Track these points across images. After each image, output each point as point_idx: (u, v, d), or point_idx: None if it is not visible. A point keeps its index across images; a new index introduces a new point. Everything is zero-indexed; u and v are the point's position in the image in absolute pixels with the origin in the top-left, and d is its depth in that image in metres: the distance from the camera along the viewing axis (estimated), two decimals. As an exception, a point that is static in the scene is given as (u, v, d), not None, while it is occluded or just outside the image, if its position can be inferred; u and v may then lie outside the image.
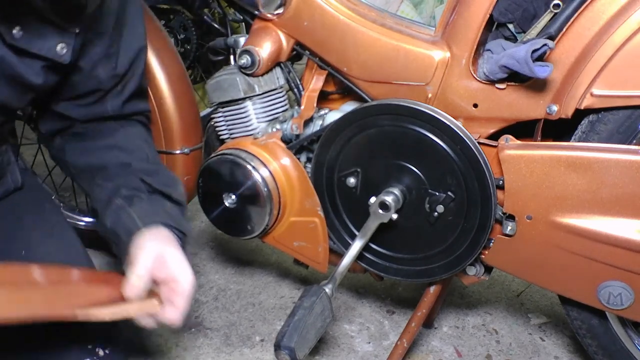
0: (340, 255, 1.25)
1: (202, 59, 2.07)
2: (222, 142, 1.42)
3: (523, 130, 1.16)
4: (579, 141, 1.11)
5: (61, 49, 0.94)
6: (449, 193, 1.16)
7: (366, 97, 1.26)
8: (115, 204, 1.02)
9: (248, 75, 1.33)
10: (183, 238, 1.03)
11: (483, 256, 1.22)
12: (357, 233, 1.25)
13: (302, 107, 1.32)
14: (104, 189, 1.06)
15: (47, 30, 0.92)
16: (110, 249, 1.65)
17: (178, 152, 1.44)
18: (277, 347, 1.06)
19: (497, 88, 1.13)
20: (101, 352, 0.98)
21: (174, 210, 1.06)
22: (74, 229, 1.14)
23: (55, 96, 1.06)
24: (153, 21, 1.51)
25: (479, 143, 1.14)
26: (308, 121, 1.33)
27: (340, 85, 1.36)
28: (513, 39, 1.18)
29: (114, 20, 1.04)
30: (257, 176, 1.28)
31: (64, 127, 1.12)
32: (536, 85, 1.10)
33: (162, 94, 1.42)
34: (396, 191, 1.18)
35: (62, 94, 1.06)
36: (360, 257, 1.25)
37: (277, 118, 1.37)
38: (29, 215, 1.09)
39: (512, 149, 1.11)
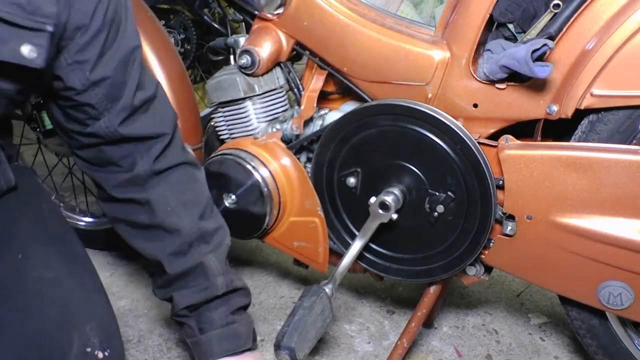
0: (340, 256, 1.25)
1: (202, 59, 2.07)
2: (222, 142, 1.42)
3: (523, 130, 1.16)
4: (578, 141, 1.11)
5: (29, 52, 0.83)
6: (449, 193, 1.16)
7: (366, 97, 1.26)
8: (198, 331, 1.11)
9: (248, 75, 1.33)
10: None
11: (483, 256, 1.22)
12: (357, 233, 1.25)
13: (302, 107, 1.32)
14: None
15: (4, 30, 0.81)
16: (109, 249, 1.67)
17: None
18: (277, 347, 1.06)
19: (497, 88, 1.13)
20: (100, 355, 0.97)
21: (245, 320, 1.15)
22: (73, 230, 1.13)
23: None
24: (153, 21, 1.51)
25: (479, 143, 1.14)
26: (308, 121, 1.33)
27: (340, 85, 1.36)
28: (513, 39, 1.18)
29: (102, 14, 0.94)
30: (257, 176, 1.29)
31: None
32: (536, 85, 1.10)
33: None
34: (396, 191, 1.18)
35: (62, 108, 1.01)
36: (360, 257, 1.25)
37: (277, 118, 1.37)
38: (25, 217, 1.06)
39: (512, 149, 1.11)
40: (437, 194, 1.17)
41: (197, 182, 1.16)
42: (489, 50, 1.14)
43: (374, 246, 1.27)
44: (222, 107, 1.39)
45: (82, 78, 0.95)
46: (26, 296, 0.97)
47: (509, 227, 1.14)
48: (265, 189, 1.29)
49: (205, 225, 1.12)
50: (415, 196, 1.19)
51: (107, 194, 1.10)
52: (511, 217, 1.15)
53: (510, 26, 1.17)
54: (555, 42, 1.06)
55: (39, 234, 1.05)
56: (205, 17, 1.85)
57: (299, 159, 1.34)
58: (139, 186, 1.07)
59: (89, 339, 0.97)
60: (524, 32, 1.14)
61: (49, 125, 1.40)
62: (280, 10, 1.30)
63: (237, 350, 1.10)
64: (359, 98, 1.29)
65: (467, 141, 1.11)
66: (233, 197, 1.32)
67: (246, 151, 1.31)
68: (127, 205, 1.09)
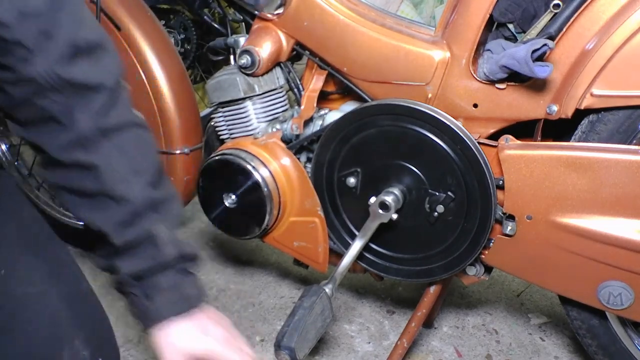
0: (340, 256, 1.25)
1: (202, 59, 2.07)
2: (222, 142, 1.42)
3: (523, 130, 1.16)
4: (578, 141, 1.11)
5: None
6: (449, 193, 1.16)
7: (366, 97, 1.26)
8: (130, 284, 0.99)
9: (248, 75, 1.33)
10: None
11: (483, 256, 1.22)
12: (357, 233, 1.25)
13: (302, 107, 1.32)
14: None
15: None
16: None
17: (178, 152, 1.44)
18: (277, 347, 1.06)
19: (497, 88, 1.13)
20: None
21: (192, 273, 1.04)
22: (55, 234, 1.06)
23: None
24: (153, 21, 1.51)
25: (479, 143, 1.14)
26: (308, 121, 1.33)
27: (340, 85, 1.36)
28: (513, 39, 1.18)
29: None
30: (257, 176, 1.29)
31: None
32: (536, 85, 1.10)
33: (162, 93, 1.42)
34: (396, 191, 1.18)
35: None
36: (360, 257, 1.25)
37: (277, 118, 1.37)
38: (7, 228, 0.99)
39: (512, 149, 1.11)
40: (437, 194, 1.17)
41: (148, 147, 1.04)
42: (489, 50, 1.14)
43: (373, 246, 1.27)
44: (222, 107, 1.39)
45: (9, 8, 0.83)
46: (11, 316, 0.93)
47: (509, 227, 1.14)
48: (265, 189, 1.29)
49: (156, 194, 1.01)
50: (415, 196, 1.19)
51: (50, 158, 0.97)
52: (511, 217, 1.15)
53: (510, 26, 1.17)
54: (555, 42, 1.06)
55: (22, 246, 0.99)
56: (205, 17, 1.85)
57: (299, 159, 1.34)
58: (84, 148, 0.95)
59: (78, 353, 0.94)
60: (524, 32, 1.14)
61: None
62: (280, 10, 1.30)
63: (186, 310, 1.01)
64: (358, 98, 1.29)
65: (467, 141, 1.11)
66: (233, 197, 1.32)
67: (246, 151, 1.31)
68: (71, 170, 0.97)
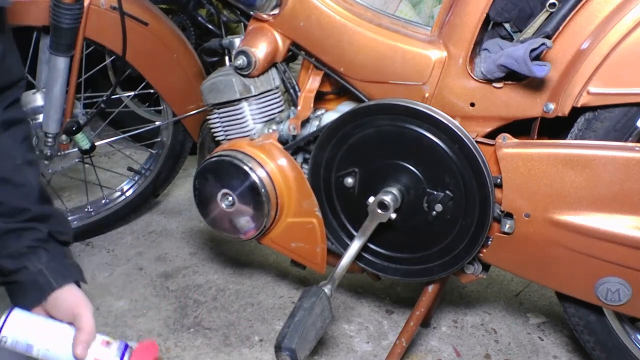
0: (339, 256, 1.25)
1: (201, 58, 2.07)
2: (218, 143, 1.42)
3: (519, 128, 1.16)
4: (575, 139, 1.12)
5: None
6: (447, 192, 1.16)
7: (363, 97, 1.26)
8: (20, 253, 1.03)
9: (244, 76, 1.33)
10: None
11: (481, 254, 1.22)
12: (355, 233, 1.25)
13: (299, 108, 1.32)
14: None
15: None
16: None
17: None
18: (278, 348, 1.06)
19: (494, 87, 1.13)
20: None
21: (71, 257, 1.09)
22: None
23: None
24: (168, 23, 1.64)
25: (476, 142, 1.14)
26: (305, 122, 1.33)
27: (336, 86, 1.36)
28: (509, 38, 1.18)
29: None
30: (254, 177, 1.28)
31: None
32: (533, 84, 1.10)
33: (193, 65, 1.67)
34: (394, 191, 1.18)
35: None
36: (358, 257, 1.25)
37: (273, 119, 1.37)
38: None
39: (509, 147, 1.11)
40: (435, 193, 1.17)
41: (33, 147, 1.14)
42: (486, 49, 1.14)
43: (372, 246, 1.27)
44: (218, 109, 1.39)
45: None
46: None
47: (507, 225, 1.15)
48: (263, 190, 1.29)
49: (46, 190, 1.10)
50: (413, 195, 1.20)
51: None
52: (509, 215, 1.15)
53: (507, 25, 1.17)
54: (552, 41, 1.06)
55: None
56: (199, 18, 1.85)
57: (295, 159, 1.34)
58: None
59: None
60: (520, 31, 1.15)
61: None
62: (276, 11, 1.30)
63: (81, 280, 1.08)
64: (355, 98, 1.29)
65: (465, 140, 1.12)
66: (230, 198, 1.32)
67: (243, 152, 1.31)
68: None
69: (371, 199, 1.18)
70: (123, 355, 0.96)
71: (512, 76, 1.10)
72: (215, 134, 1.42)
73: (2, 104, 1.04)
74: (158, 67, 1.66)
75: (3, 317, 0.94)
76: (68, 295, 1.02)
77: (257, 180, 1.28)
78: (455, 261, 1.21)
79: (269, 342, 1.45)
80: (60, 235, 1.07)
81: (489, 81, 1.13)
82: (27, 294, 1.04)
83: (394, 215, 1.17)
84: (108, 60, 1.79)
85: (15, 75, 1.06)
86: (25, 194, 1.05)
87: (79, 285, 1.06)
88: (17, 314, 0.96)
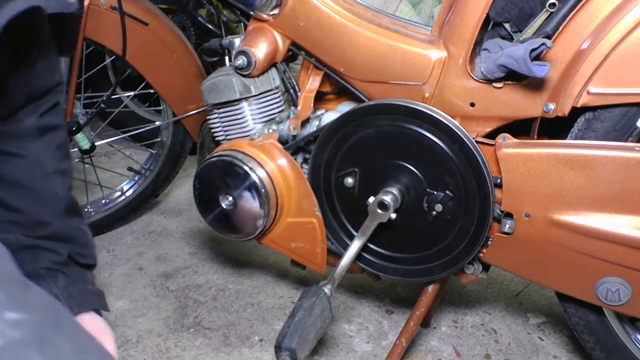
0: (338, 256, 1.25)
1: (201, 58, 2.08)
2: (218, 143, 1.42)
3: (519, 128, 1.16)
4: (575, 139, 1.12)
5: None
6: (447, 192, 1.16)
7: (363, 97, 1.26)
8: (38, 274, 1.01)
9: (244, 76, 1.33)
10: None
11: (481, 254, 1.22)
12: (355, 233, 1.25)
13: (299, 108, 1.32)
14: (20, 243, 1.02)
15: None
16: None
17: None
18: (278, 348, 1.06)
19: (494, 87, 1.13)
20: None
21: (93, 283, 1.07)
22: None
23: None
24: (168, 23, 1.64)
25: (476, 142, 1.14)
26: (305, 122, 1.33)
27: (336, 86, 1.36)
28: (509, 38, 1.18)
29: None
30: (254, 177, 1.28)
31: None
32: (533, 84, 1.10)
33: (193, 65, 1.67)
34: (394, 191, 1.18)
35: None
36: (358, 257, 1.25)
37: (273, 119, 1.37)
38: None
39: (509, 147, 1.11)
40: (435, 193, 1.17)
41: (69, 154, 1.11)
42: (486, 49, 1.14)
43: (372, 246, 1.27)
44: (218, 109, 1.39)
45: None
46: None
47: (507, 225, 1.15)
48: (263, 190, 1.29)
49: (75, 201, 1.08)
50: (413, 195, 1.20)
51: None
52: (509, 215, 1.15)
53: (507, 25, 1.17)
54: (552, 41, 1.06)
55: None
56: (199, 18, 1.85)
57: (295, 159, 1.34)
58: (17, 139, 1.01)
59: None
60: (520, 31, 1.15)
61: None
62: (276, 11, 1.30)
63: (102, 308, 1.07)
64: (355, 98, 1.29)
65: (465, 140, 1.12)
66: (230, 198, 1.32)
67: (243, 152, 1.31)
68: None
69: (371, 199, 1.18)
70: None
71: (512, 76, 1.10)
72: (215, 134, 1.42)
73: (38, 110, 1.02)
74: (158, 67, 1.66)
75: None
76: (87, 324, 1.00)
77: (257, 180, 1.28)
78: (455, 261, 1.21)
79: (269, 342, 1.45)
80: (82, 257, 1.05)
81: (489, 81, 1.13)
82: None
83: (394, 215, 1.17)
84: (108, 60, 1.79)
85: (50, 82, 1.03)
86: (50, 206, 1.03)
87: (99, 313, 1.05)
88: None
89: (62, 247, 1.03)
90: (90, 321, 1.01)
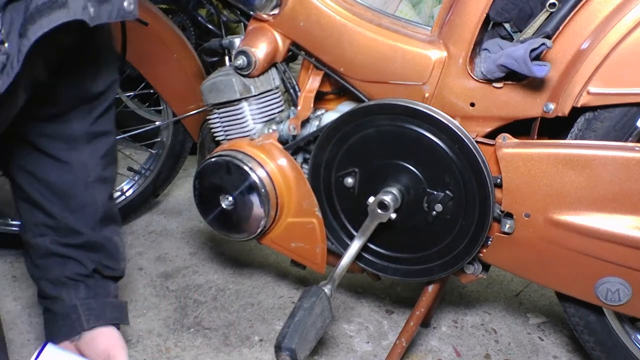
0: (338, 256, 1.25)
1: (201, 58, 2.08)
2: (218, 143, 1.42)
3: (519, 128, 1.16)
4: (575, 139, 1.12)
5: (128, 4, 0.83)
6: (447, 192, 1.16)
7: (363, 97, 1.26)
8: (60, 281, 1.03)
9: (244, 76, 1.33)
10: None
11: (481, 254, 1.22)
12: (355, 233, 1.25)
13: (299, 108, 1.32)
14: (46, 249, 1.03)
15: None
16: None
17: None
18: (278, 348, 1.06)
19: (494, 87, 1.13)
20: None
21: (116, 295, 1.09)
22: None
23: None
24: (168, 23, 1.65)
25: (476, 142, 1.14)
26: (305, 122, 1.33)
27: (336, 86, 1.36)
28: (509, 38, 1.18)
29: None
30: (254, 177, 1.28)
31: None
32: (533, 84, 1.10)
33: (193, 65, 1.67)
34: (394, 191, 1.18)
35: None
36: (358, 257, 1.25)
37: (273, 119, 1.37)
38: None
39: (509, 147, 1.11)
40: (435, 193, 1.17)
41: (116, 156, 1.12)
42: (486, 49, 1.14)
43: (372, 246, 1.27)
44: (218, 109, 1.39)
45: None
46: None
47: (507, 225, 1.15)
48: (263, 190, 1.29)
49: (113, 208, 1.09)
50: (413, 195, 1.19)
51: (20, 138, 1.01)
52: (509, 215, 1.15)
53: (507, 25, 1.17)
54: (552, 41, 1.06)
55: None
56: (199, 18, 1.85)
57: (295, 159, 1.34)
58: (65, 143, 1.02)
59: None
60: (520, 31, 1.15)
61: None
62: (276, 11, 1.30)
63: (120, 322, 1.08)
64: (355, 98, 1.29)
65: (465, 140, 1.12)
66: (230, 198, 1.32)
67: (243, 152, 1.31)
68: (43, 157, 1.02)
69: (371, 199, 1.18)
70: None
71: (512, 76, 1.10)
72: (215, 134, 1.42)
73: (90, 114, 1.02)
74: (158, 67, 1.66)
75: (35, 353, 0.92)
76: (102, 337, 1.01)
77: (257, 180, 1.28)
78: (455, 261, 1.21)
79: (269, 342, 1.45)
80: (107, 270, 1.06)
81: (489, 81, 1.13)
82: (59, 327, 1.04)
83: (394, 215, 1.17)
84: (108, 60, 1.78)
85: (102, 87, 1.03)
86: (87, 215, 1.03)
87: (118, 326, 1.06)
88: (50, 350, 0.94)
89: (90, 257, 1.04)
90: (105, 335, 1.02)
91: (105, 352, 0.99)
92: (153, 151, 1.85)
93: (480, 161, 1.12)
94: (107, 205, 1.06)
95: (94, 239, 1.04)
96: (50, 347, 0.94)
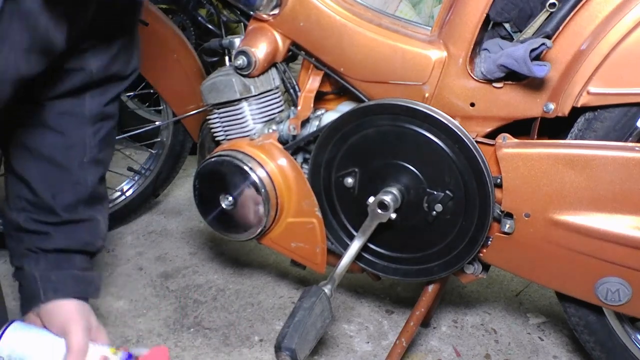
0: (339, 256, 1.25)
1: (201, 58, 2.08)
2: (218, 143, 1.42)
3: (519, 128, 1.16)
4: (575, 139, 1.12)
5: None
6: (447, 192, 1.16)
7: (363, 97, 1.26)
8: (23, 253, 1.02)
9: (244, 76, 1.33)
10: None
11: (481, 254, 1.22)
12: (355, 233, 1.25)
13: (299, 108, 1.32)
14: (21, 217, 1.02)
15: None
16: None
17: None
18: (278, 348, 1.06)
19: (494, 87, 1.13)
20: None
21: (86, 268, 1.06)
22: None
23: None
24: (168, 23, 1.64)
25: (476, 142, 1.14)
26: (305, 122, 1.33)
27: (336, 86, 1.36)
28: (509, 38, 1.18)
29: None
30: (254, 177, 1.28)
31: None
32: (533, 84, 1.10)
33: (192, 65, 1.67)
34: (394, 191, 1.18)
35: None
36: (358, 257, 1.25)
37: (273, 119, 1.37)
38: None
39: (509, 147, 1.11)
40: (435, 193, 1.17)
41: (113, 143, 1.12)
42: (486, 49, 1.14)
43: (372, 246, 1.27)
44: (218, 109, 1.39)
45: None
46: None
47: (507, 225, 1.15)
48: (263, 190, 1.29)
49: (101, 189, 1.08)
50: (413, 195, 1.19)
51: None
52: (509, 215, 1.15)
53: (507, 25, 1.17)
54: (552, 41, 1.06)
55: None
56: (199, 18, 1.85)
57: (295, 159, 1.34)
58: (73, 120, 1.02)
59: None
60: (520, 31, 1.15)
61: None
62: (276, 11, 1.30)
63: (86, 295, 1.04)
64: (355, 98, 1.29)
65: (465, 140, 1.12)
66: (230, 198, 1.32)
67: (243, 152, 1.31)
68: (47, 132, 1.01)
69: (371, 199, 1.18)
70: None
71: (512, 76, 1.10)
72: (215, 134, 1.42)
73: (104, 96, 1.02)
74: (158, 67, 1.66)
75: (1, 331, 0.92)
76: (61, 310, 0.98)
77: (257, 180, 1.28)
78: (456, 261, 1.21)
79: (269, 342, 1.45)
80: (78, 244, 1.04)
81: (489, 81, 1.13)
82: (23, 298, 1.03)
83: (394, 215, 1.17)
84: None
85: (124, 70, 1.04)
86: (73, 194, 1.02)
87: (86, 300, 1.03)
88: (15, 327, 0.94)
89: (60, 232, 1.02)
90: (63, 308, 0.98)
91: (60, 326, 0.96)
92: (153, 151, 1.85)
93: (480, 161, 1.12)
94: (96, 187, 1.06)
95: (69, 219, 1.03)
96: (15, 325, 0.94)
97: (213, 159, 1.32)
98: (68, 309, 0.98)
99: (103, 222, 1.09)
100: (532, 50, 1.01)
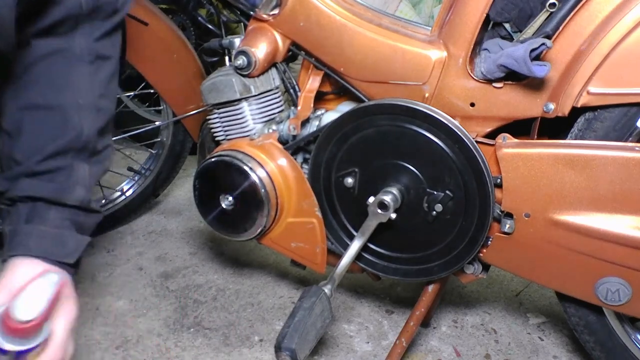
0: (338, 256, 1.25)
1: (201, 58, 2.08)
2: (218, 143, 1.42)
3: (519, 128, 1.17)
4: (575, 139, 1.12)
5: None
6: (447, 192, 1.16)
7: (363, 97, 1.26)
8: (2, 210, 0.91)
9: (244, 76, 1.33)
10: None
11: (481, 254, 1.22)
12: (355, 233, 1.25)
13: (299, 108, 1.32)
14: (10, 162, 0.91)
15: None
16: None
17: None
18: (278, 348, 1.06)
19: (494, 87, 1.13)
20: None
21: (58, 226, 0.91)
22: None
23: None
24: (168, 23, 1.64)
25: (476, 142, 1.14)
26: (305, 122, 1.33)
27: (336, 86, 1.36)
28: (509, 38, 1.18)
29: None
30: (254, 177, 1.28)
31: None
32: (533, 84, 1.10)
33: (193, 64, 1.67)
34: (394, 191, 1.18)
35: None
36: (358, 257, 1.25)
37: (273, 119, 1.37)
38: None
39: (509, 147, 1.11)
40: (435, 193, 1.17)
41: (115, 89, 1.02)
42: (486, 49, 1.14)
43: (372, 246, 1.27)
44: (218, 109, 1.39)
45: None
46: None
47: (507, 225, 1.15)
48: (263, 190, 1.29)
49: (98, 142, 0.97)
50: (413, 195, 1.20)
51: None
52: (509, 215, 1.15)
53: (507, 25, 1.17)
54: (552, 41, 1.06)
55: None
56: (199, 18, 1.85)
57: (295, 159, 1.34)
58: (66, 61, 0.93)
59: None
60: (520, 31, 1.15)
61: None
62: (276, 11, 1.30)
63: (54, 258, 0.88)
64: (355, 98, 1.29)
65: (465, 140, 1.12)
66: (230, 198, 1.32)
67: (243, 152, 1.31)
68: (40, 78, 0.92)
69: (371, 199, 1.18)
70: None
71: (512, 76, 1.10)
72: (215, 134, 1.42)
73: (93, 31, 0.94)
74: (158, 67, 1.66)
75: None
76: (18, 269, 0.85)
77: (257, 180, 1.28)
78: (456, 261, 1.21)
79: (269, 342, 1.45)
80: (54, 194, 0.90)
81: (489, 81, 1.13)
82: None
83: (394, 215, 1.17)
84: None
85: (110, 5, 0.95)
86: (64, 142, 0.91)
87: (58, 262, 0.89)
88: None
89: (33, 185, 0.90)
90: (22, 268, 0.85)
91: (18, 287, 0.82)
92: (153, 151, 1.85)
93: (480, 161, 1.12)
94: (92, 137, 0.95)
95: (47, 168, 0.91)
96: None
97: (213, 159, 1.32)
98: (28, 270, 0.85)
99: (87, 171, 0.95)
100: (532, 50, 1.01)
